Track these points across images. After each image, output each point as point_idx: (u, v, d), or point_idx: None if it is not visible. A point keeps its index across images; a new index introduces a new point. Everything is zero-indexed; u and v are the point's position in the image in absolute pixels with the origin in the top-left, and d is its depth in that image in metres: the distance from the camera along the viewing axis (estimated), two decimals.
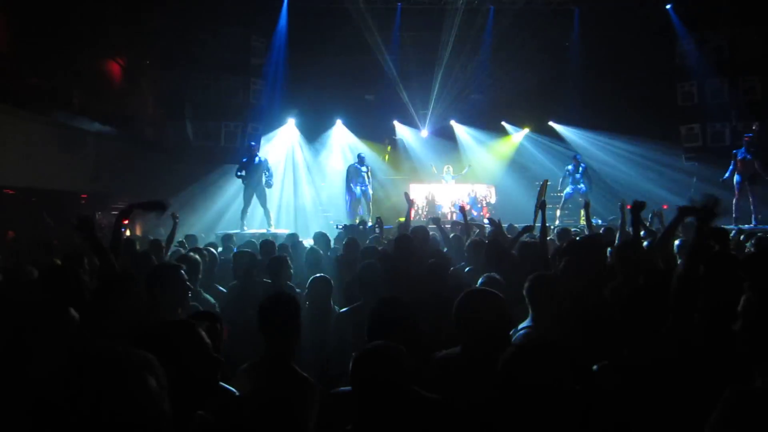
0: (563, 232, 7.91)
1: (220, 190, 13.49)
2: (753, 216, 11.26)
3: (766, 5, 11.86)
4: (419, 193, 15.20)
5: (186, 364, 1.87)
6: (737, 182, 11.55)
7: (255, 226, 12.76)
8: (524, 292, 3.25)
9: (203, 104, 13.24)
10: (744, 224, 10.68)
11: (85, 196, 12.19)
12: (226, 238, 8.65)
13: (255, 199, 12.00)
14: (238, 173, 11.80)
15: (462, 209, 7.43)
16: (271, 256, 5.55)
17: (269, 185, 12.25)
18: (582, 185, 13.80)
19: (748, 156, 11.36)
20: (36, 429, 1.32)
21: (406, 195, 7.48)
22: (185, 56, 12.88)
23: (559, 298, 3.23)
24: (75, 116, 11.24)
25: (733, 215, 11.30)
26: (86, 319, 2.61)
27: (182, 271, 3.52)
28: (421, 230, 6.53)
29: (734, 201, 11.55)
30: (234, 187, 13.04)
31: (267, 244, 6.51)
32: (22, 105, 10.16)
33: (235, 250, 6.62)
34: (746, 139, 11.60)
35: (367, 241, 7.06)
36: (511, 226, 8.66)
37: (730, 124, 13.22)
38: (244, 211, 12.10)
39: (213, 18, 12.72)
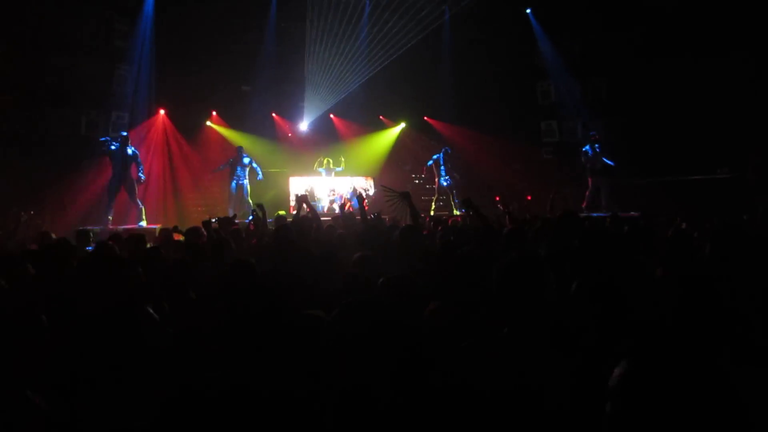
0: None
1: (83, 184, 12.39)
2: (603, 204, 12.48)
3: (612, 15, 13.24)
4: (299, 187, 15.07)
5: None
6: (588, 174, 12.84)
7: (123, 222, 11.97)
8: None
9: (60, 90, 12.11)
10: (593, 212, 11.85)
11: None
12: (82, 235, 7.88)
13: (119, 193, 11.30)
14: (104, 148, 11.07)
15: (360, 198, 7.24)
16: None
17: (140, 181, 11.59)
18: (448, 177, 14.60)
19: (591, 152, 12.64)
20: None
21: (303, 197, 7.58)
22: (37, 35, 11.69)
23: None
24: None
25: (583, 204, 12.55)
26: None
27: None
28: (304, 222, 6.54)
29: (586, 192, 12.83)
30: (100, 180, 12.10)
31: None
32: None
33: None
34: (592, 138, 12.84)
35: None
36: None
37: (581, 121, 14.62)
38: (109, 206, 11.31)
39: None
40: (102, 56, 12.44)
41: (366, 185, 15.90)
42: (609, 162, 12.48)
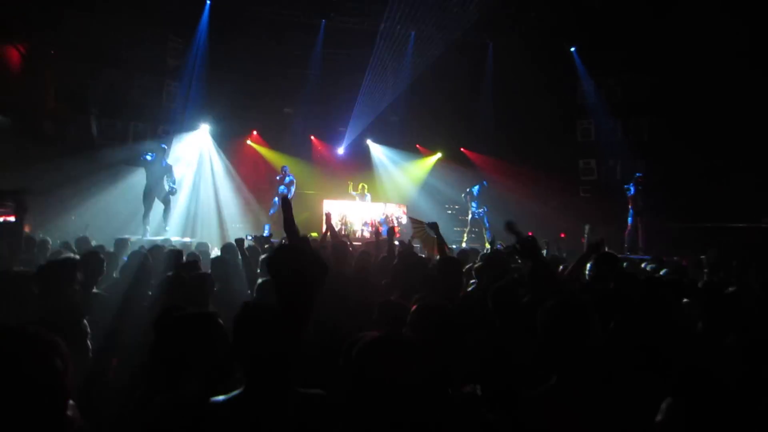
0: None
1: (126, 193, 12.76)
2: (641, 246, 12.19)
3: (653, 56, 13.16)
4: (333, 210, 15.19)
5: None
6: (630, 216, 12.56)
7: (171, 233, 12.23)
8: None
9: (111, 102, 12.64)
10: (634, 255, 11.56)
11: None
12: (120, 243, 7.99)
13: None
14: (144, 156, 11.30)
15: (391, 230, 7.28)
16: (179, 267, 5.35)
17: (173, 192, 11.76)
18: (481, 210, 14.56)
19: (633, 191, 12.41)
20: None
21: (327, 215, 7.74)
22: (95, 50, 12.27)
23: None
24: None
25: (625, 245, 12.25)
26: None
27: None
28: (341, 247, 6.55)
29: (626, 233, 12.54)
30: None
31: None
32: None
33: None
34: (639, 179, 12.59)
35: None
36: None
37: (621, 161, 14.44)
38: (146, 216, 11.54)
39: (129, 13, 12.21)
40: (154, 72, 12.96)
41: (399, 213, 15.94)
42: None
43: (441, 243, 5.78)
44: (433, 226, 6.02)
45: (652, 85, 13.61)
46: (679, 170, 12.97)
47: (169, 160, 11.90)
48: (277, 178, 13.99)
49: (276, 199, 13.70)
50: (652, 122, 13.95)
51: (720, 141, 11.85)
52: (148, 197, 11.41)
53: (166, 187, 11.53)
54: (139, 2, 12.08)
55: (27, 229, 11.19)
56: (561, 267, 5.97)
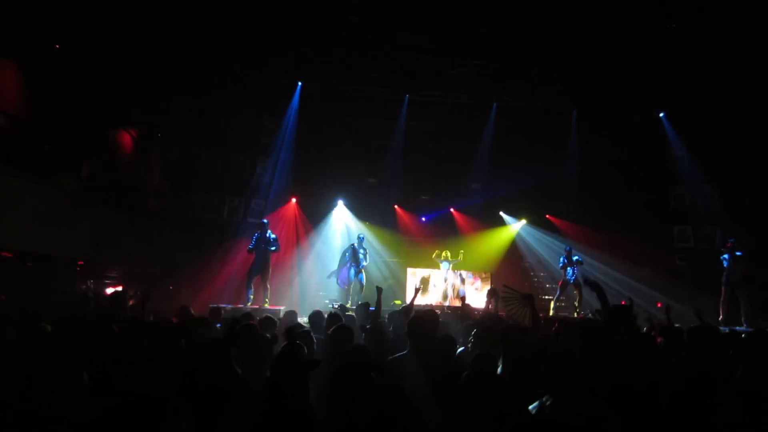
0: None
1: (220, 264, 13.33)
2: (743, 319, 11.23)
3: (752, 117, 12.56)
4: (417, 278, 15.20)
5: None
6: (723, 284, 11.65)
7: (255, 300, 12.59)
8: None
9: (209, 178, 13.44)
10: (735, 326, 10.67)
11: (81, 263, 11.95)
12: (214, 311, 8.30)
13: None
14: (251, 248, 11.75)
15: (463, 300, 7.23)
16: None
17: (277, 250, 12.03)
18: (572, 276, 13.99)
19: (727, 262, 11.57)
20: None
21: (417, 289, 7.92)
22: (196, 130, 13.20)
23: None
24: (81, 184, 11.23)
25: (720, 317, 11.30)
26: None
27: None
28: (431, 314, 6.51)
29: (721, 301, 11.61)
30: (235, 262, 12.96)
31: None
32: (29, 169, 10.13)
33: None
34: (728, 245, 11.78)
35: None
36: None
37: (720, 228, 13.64)
38: (248, 287, 11.92)
39: (227, 95, 13.12)
40: (248, 150, 13.71)
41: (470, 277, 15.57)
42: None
43: (535, 316, 5.51)
44: (528, 298, 5.79)
45: (751, 148, 12.94)
46: None
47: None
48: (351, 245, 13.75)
49: (343, 274, 13.48)
50: (753, 187, 13.18)
51: None
52: (253, 272, 11.78)
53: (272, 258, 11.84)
54: (237, 86, 12.94)
55: (132, 302, 11.89)
56: None
